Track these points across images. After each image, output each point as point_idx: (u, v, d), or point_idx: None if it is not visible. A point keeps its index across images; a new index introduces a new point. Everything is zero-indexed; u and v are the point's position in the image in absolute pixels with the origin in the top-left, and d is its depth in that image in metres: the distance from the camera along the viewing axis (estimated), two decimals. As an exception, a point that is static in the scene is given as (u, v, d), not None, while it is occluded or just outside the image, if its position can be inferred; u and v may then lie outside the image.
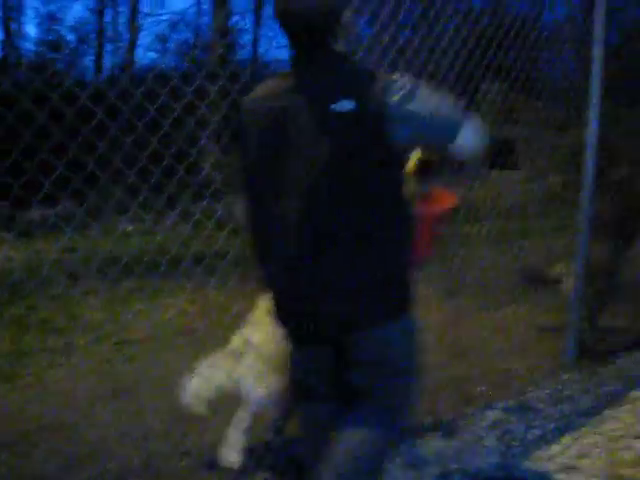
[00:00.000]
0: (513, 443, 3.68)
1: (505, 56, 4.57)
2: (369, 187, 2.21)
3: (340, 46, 2.31)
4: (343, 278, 2.22)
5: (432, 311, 5.08)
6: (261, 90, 2.39)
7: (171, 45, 23.46)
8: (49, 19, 25.35)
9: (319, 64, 2.27)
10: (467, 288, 5.93)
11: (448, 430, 3.81)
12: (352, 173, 2.18)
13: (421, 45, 4.16)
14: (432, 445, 3.66)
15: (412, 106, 2.17)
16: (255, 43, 27.00)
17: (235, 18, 21.75)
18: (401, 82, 2.19)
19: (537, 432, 3.81)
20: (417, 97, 2.18)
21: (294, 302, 2.34)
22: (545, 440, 3.71)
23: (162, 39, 23.24)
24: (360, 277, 2.22)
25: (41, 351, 4.99)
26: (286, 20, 2.25)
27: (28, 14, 33.75)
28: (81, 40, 31.78)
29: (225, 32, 16.46)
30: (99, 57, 30.60)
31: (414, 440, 3.68)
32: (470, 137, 2.27)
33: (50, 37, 26.70)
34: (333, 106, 2.14)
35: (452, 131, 2.24)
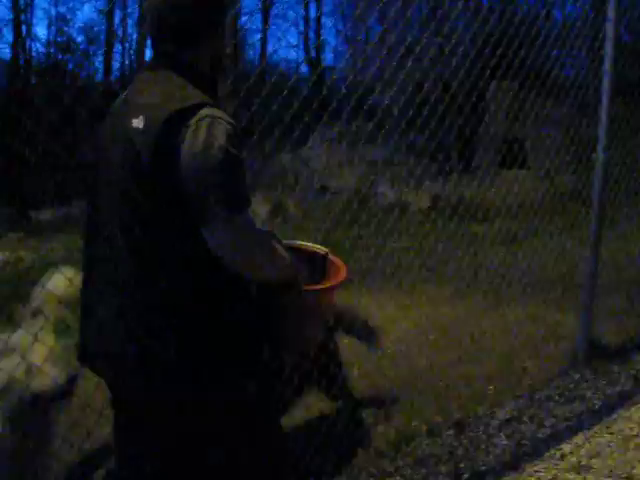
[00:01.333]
0: (524, 442, 3.67)
1: (515, 54, 4.56)
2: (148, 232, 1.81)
3: (202, 63, 1.97)
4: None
5: (443, 310, 5.07)
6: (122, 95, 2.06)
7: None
8: (59, 20, 25.55)
9: (157, 73, 1.93)
10: (477, 287, 5.92)
11: (459, 428, 3.80)
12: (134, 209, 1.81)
13: (430, 43, 4.16)
14: (443, 443, 3.65)
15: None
16: (264, 43, 27.14)
17: (244, 18, 21.92)
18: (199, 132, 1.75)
19: (548, 431, 3.80)
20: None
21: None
22: (556, 439, 3.69)
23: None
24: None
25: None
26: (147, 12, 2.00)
27: (38, 15, 33.90)
28: (90, 41, 31.99)
29: (234, 32, 16.47)
30: (108, 58, 30.78)
31: (425, 438, 3.68)
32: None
33: (60, 39, 26.90)
34: (134, 121, 1.80)
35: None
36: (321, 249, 2.34)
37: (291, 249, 2.03)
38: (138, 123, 1.78)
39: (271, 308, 1.98)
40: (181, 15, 1.91)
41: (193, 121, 1.75)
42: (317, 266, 2.25)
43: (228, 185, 1.75)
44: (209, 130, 1.74)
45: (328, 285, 2.19)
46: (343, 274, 2.22)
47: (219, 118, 1.78)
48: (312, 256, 2.25)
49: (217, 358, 1.86)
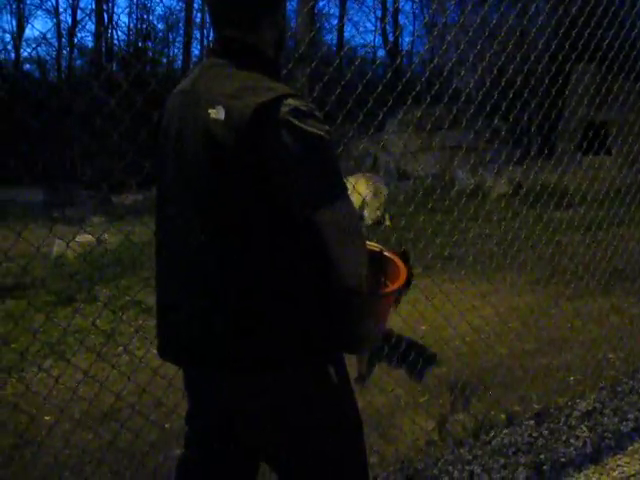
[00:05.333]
0: (606, 435, 3.60)
1: (601, 36, 4.42)
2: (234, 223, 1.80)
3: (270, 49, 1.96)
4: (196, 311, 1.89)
5: (523, 298, 4.99)
6: (183, 80, 2.04)
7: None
8: (140, 9, 26.06)
9: (219, 61, 1.91)
10: (559, 275, 5.82)
11: (540, 419, 3.75)
12: (217, 200, 1.81)
13: (512, 27, 4.07)
14: (523, 434, 3.61)
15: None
16: (341, 28, 27.08)
17: (321, 3, 21.91)
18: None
19: (631, 424, 3.71)
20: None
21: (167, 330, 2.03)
22: (640, 432, 3.61)
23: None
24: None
25: (135, 332, 5.12)
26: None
27: (119, 4, 34.65)
28: (170, 28, 32.53)
29: (312, 17, 16.48)
30: (187, 45, 31.23)
31: (505, 428, 3.65)
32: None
33: (141, 26, 27.45)
34: (211, 111, 1.77)
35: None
36: (375, 246, 2.31)
37: None
38: (217, 114, 1.75)
39: (340, 306, 1.96)
40: None
41: (282, 113, 1.72)
42: (375, 264, 2.23)
43: (330, 172, 1.78)
44: (302, 121, 1.73)
45: (395, 287, 2.18)
46: (404, 274, 2.20)
47: (306, 107, 1.76)
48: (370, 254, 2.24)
49: (297, 344, 1.86)
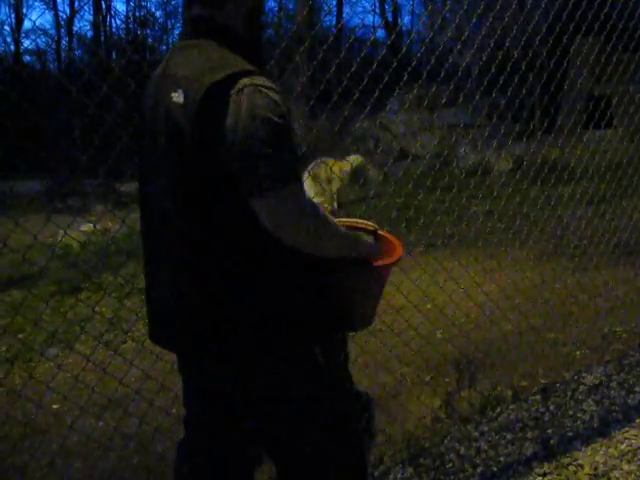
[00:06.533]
0: (613, 408, 3.59)
1: (600, 8, 4.37)
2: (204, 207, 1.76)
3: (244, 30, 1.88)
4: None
5: (528, 273, 4.97)
6: (159, 68, 1.96)
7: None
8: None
9: (195, 41, 1.85)
10: (563, 249, 5.79)
11: (546, 394, 3.75)
12: (188, 182, 1.76)
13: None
14: (529, 409, 3.60)
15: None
16: (340, 8, 26.91)
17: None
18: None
19: (638, 397, 3.69)
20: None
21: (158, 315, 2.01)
22: (648, 405, 3.60)
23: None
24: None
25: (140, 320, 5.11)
26: None
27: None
28: (168, 15, 32.37)
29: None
30: (186, 31, 31.02)
31: (511, 404, 3.64)
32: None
33: (139, 13, 27.32)
34: (173, 95, 1.74)
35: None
36: (369, 224, 2.26)
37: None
38: (177, 97, 1.71)
39: (330, 283, 1.96)
40: None
41: (233, 92, 1.66)
42: None
43: (273, 157, 1.66)
44: (250, 100, 1.65)
45: (388, 262, 2.09)
46: (399, 251, 2.14)
47: (260, 86, 1.68)
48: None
49: (284, 326, 1.84)
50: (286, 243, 1.74)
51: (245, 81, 1.68)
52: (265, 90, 1.68)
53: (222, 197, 1.74)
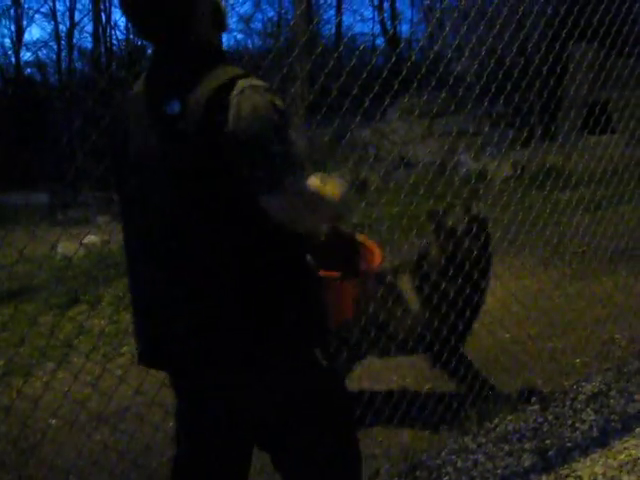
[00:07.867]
0: (612, 417, 3.55)
1: (598, 14, 4.35)
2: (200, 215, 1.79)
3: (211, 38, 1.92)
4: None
5: (526, 282, 4.95)
6: (136, 85, 2.00)
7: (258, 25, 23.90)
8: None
9: (165, 59, 1.90)
10: (562, 257, 5.76)
11: (544, 403, 3.71)
12: (183, 191, 1.78)
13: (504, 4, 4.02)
14: (527, 419, 3.57)
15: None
16: (340, 17, 26.93)
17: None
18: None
19: (638, 406, 3.65)
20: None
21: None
22: (648, 414, 3.56)
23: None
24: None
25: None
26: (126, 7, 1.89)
27: (116, 3, 34.63)
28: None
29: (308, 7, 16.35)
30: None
31: (508, 413, 3.60)
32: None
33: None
34: (166, 108, 1.77)
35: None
36: (347, 231, 2.27)
37: None
38: (172, 109, 1.75)
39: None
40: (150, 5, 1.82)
41: (233, 94, 1.72)
42: (344, 248, 2.21)
43: (277, 152, 1.72)
44: (250, 101, 1.72)
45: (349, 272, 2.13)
46: (377, 258, 2.18)
47: (257, 87, 1.75)
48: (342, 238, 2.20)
49: (281, 327, 1.85)
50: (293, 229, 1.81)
51: (243, 83, 1.75)
52: (261, 89, 1.76)
53: (223, 203, 1.77)
